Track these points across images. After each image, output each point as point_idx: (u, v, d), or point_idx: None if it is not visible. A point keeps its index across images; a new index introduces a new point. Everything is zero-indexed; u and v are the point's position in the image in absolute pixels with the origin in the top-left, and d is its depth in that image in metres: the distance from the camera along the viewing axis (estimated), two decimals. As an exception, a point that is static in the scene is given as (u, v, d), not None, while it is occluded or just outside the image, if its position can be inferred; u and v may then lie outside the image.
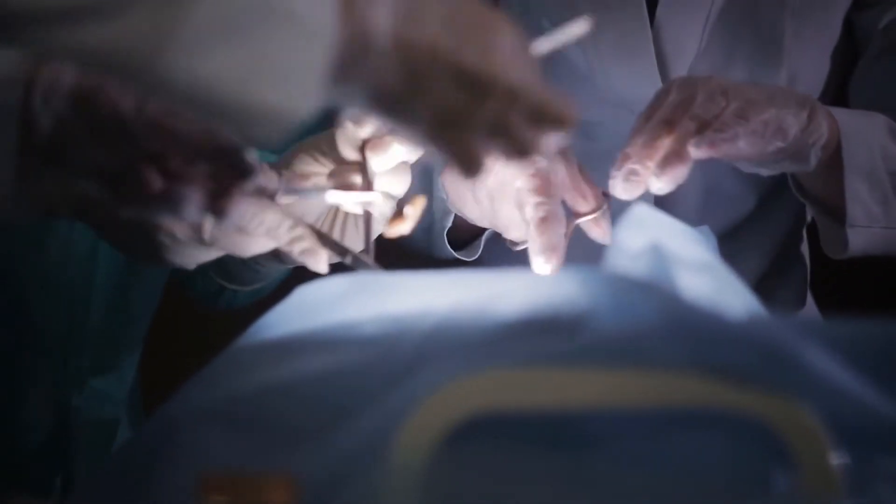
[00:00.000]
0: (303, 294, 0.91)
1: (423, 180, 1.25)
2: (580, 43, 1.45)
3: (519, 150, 0.87)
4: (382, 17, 0.79)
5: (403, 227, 1.05)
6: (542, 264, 1.15)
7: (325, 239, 1.06)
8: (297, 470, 0.76)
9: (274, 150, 1.12)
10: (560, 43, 1.01)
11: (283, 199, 1.03)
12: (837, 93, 1.54)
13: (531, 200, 1.17)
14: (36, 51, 0.77)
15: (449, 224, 1.35)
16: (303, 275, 1.03)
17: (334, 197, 1.08)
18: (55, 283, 1.22)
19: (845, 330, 0.79)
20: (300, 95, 0.77)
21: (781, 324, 0.80)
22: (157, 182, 0.93)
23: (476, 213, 1.26)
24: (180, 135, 0.94)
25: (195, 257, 1.02)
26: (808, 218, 1.56)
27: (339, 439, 0.79)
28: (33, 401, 1.23)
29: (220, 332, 1.01)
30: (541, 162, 1.18)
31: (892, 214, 1.35)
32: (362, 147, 1.09)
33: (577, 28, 1.02)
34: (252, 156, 0.95)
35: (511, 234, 1.23)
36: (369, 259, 1.07)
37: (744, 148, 1.20)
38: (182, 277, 1.37)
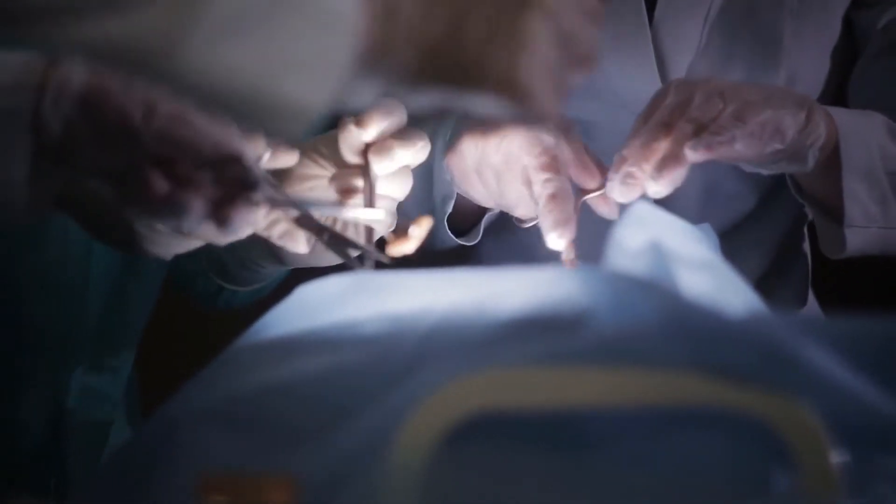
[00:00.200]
0: (302, 294, 0.91)
1: (423, 169, 1.25)
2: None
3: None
4: (401, 4, 0.78)
5: (407, 247, 1.06)
6: (556, 239, 1.16)
7: (301, 222, 1.06)
8: (297, 470, 0.76)
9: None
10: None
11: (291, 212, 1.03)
12: (837, 92, 1.54)
13: (539, 177, 1.18)
14: (52, 47, 0.76)
15: (449, 209, 1.35)
16: (302, 275, 1.03)
17: (343, 212, 1.08)
18: (51, 282, 1.22)
19: (846, 328, 0.79)
20: (323, 87, 0.76)
21: (782, 322, 0.80)
22: (162, 187, 0.93)
23: (482, 193, 1.26)
24: (187, 142, 0.94)
25: (173, 247, 1.01)
26: (809, 216, 1.56)
27: (338, 439, 0.79)
28: (29, 401, 1.23)
29: (220, 332, 1.01)
30: (547, 139, 1.18)
31: (890, 214, 1.35)
32: (364, 150, 1.09)
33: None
34: (258, 167, 0.95)
35: (518, 211, 1.24)
36: (379, 255, 1.07)
37: (741, 150, 1.20)
38: (181, 278, 1.37)
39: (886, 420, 0.77)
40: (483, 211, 1.37)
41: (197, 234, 0.98)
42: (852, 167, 1.32)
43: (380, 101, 0.93)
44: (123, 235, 1.00)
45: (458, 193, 1.33)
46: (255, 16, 0.73)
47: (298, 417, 0.82)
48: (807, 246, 1.61)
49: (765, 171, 1.38)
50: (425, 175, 1.31)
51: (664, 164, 1.17)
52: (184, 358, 1.18)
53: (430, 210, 1.35)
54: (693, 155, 1.17)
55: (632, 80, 1.45)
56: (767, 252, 1.56)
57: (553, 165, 1.18)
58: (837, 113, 1.32)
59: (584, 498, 0.75)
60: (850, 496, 0.74)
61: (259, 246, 1.17)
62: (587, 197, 1.21)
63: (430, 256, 1.36)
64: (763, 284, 1.56)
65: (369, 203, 1.09)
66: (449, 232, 1.38)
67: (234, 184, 0.94)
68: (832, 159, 1.31)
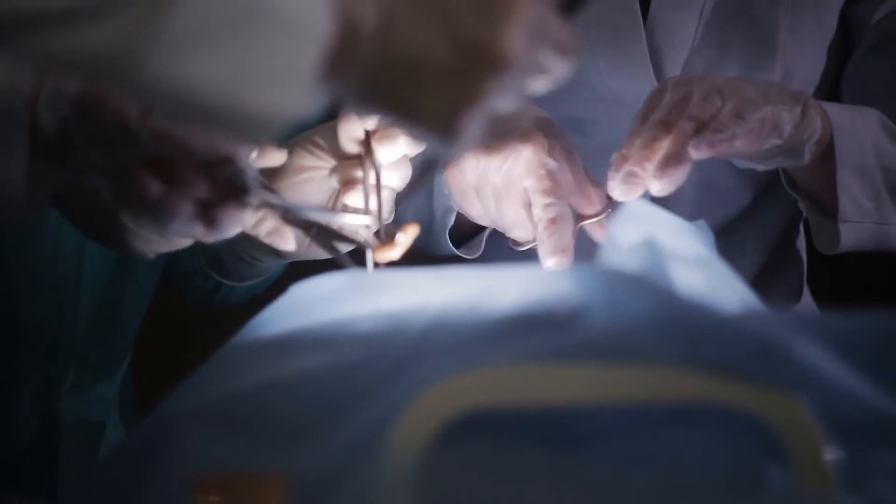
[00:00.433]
0: (298, 291, 0.91)
1: (424, 177, 1.25)
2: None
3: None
4: (368, 15, 0.78)
5: (393, 254, 1.05)
6: (553, 266, 1.16)
7: (289, 220, 1.06)
8: (292, 468, 0.76)
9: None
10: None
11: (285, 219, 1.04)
12: (832, 88, 1.54)
13: (541, 202, 1.18)
14: (20, 57, 0.76)
15: (451, 222, 1.35)
16: (298, 272, 1.03)
17: (334, 217, 1.08)
18: (43, 282, 1.22)
19: (841, 324, 0.79)
20: (290, 96, 0.76)
21: (776, 318, 0.79)
22: (154, 187, 0.93)
23: (479, 211, 1.26)
24: (181, 143, 0.94)
25: (159, 245, 1.02)
26: (805, 212, 1.56)
27: (334, 437, 0.79)
28: (22, 400, 1.23)
29: (216, 330, 1.01)
30: (550, 163, 1.18)
31: (883, 209, 1.35)
32: (365, 140, 1.09)
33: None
34: (251, 169, 0.95)
35: (515, 233, 1.23)
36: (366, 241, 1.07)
37: (741, 146, 1.20)
38: (177, 276, 1.37)
39: (882, 416, 0.77)
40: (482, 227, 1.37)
41: (185, 233, 0.98)
42: (846, 162, 1.32)
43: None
44: (111, 231, 1.00)
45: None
46: (223, 26, 0.73)
47: (294, 415, 0.82)
48: (802, 241, 1.61)
49: (761, 167, 1.38)
50: (425, 182, 1.31)
51: (667, 163, 1.17)
52: (179, 357, 1.18)
53: (430, 222, 1.35)
54: (696, 153, 1.17)
55: (626, 76, 1.45)
56: (764, 248, 1.56)
57: (555, 189, 1.18)
58: (832, 108, 1.32)
59: (578, 495, 0.75)
60: (845, 493, 0.74)
61: (256, 240, 1.17)
62: (585, 223, 1.21)
63: (426, 254, 1.36)
64: (759, 281, 1.56)
65: (378, 190, 1.09)
66: (450, 245, 1.38)
67: (227, 185, 0.94)
68: (826, 154, 1.31)
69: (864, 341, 0.78)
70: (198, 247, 1.03)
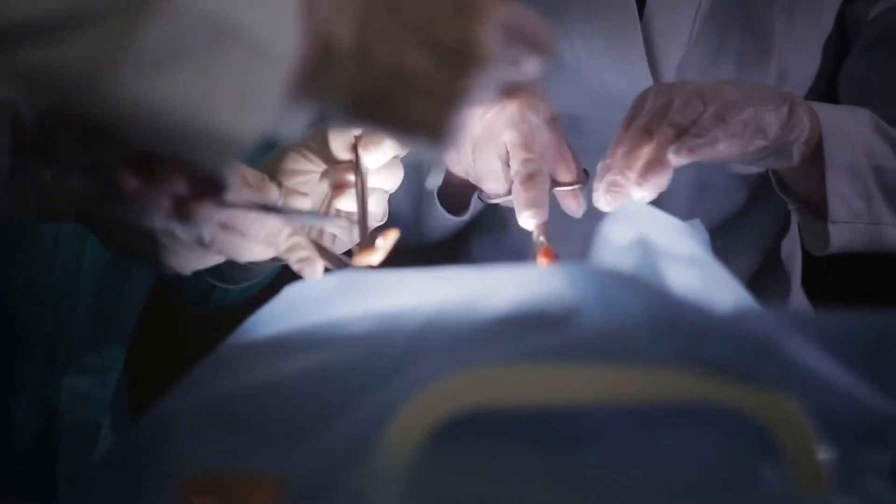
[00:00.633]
0: (292, 292, 0.91)
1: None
2: (568, 35, 1.45)
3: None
4: (344, 33, 0.79)
5: (373, 258, 1.05)
6: (528, 219, 1.16)
7: (322, 251, 1.06)
8: (288, 467, 0.76)
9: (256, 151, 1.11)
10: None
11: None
12: (829, 86, 1.54)
13: (519, 156, 1.17)
14: None
15: (439, 182, 1.34)
16: (292, 273, 1.03)
17: (314, 221, 1.08)
18: (41, 285, 1.22)
19: (834, 323, 0.79)
20: (254, 117, 0.76)
21: (769, 317, 0.79)
22: (132, 184, 0.93)
23: (453, 159, 1.25)
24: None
25: (193, 262, 1.02)
26: (794, 214, 1.56)
27: (328, 437, 0.79)
28: (21, 403, 1.23)
29: (211, 331, 1.01)
30: (533, 120, 1.18)
31: (875, 209, 1.35)
32: (355, 145, 1.09)
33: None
34: (227, 170, 0.95)
35: (487, 185, 1.23)
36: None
37: (724, 150, 1.20)
38: (172, 278, 1.37)
39: (876, 416, 0.77)
40: (472, 189, 1.37)
41: (219, 248, 0.99)
42: (835, 162, 1.32)
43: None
44: (145, 250, 1.00)
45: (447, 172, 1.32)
46: (190, 45, 0.73)
47: (289, 416, 0.82)
48: (797, 241, 1.61)
49: (752, 169, 1.37)
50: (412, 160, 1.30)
51: (648, 170, 1.17)
52: (175, 358, 1.18)
53: (416, 204, 1.34)
54: (676, 159, 1.17)
55: (623, 74, 1.45)
56: (759, 247, 1.56)
57: (535, 146, 1.18)
58: (821, 108, 1.32)
59: (573, 495, 0.75)
60: (839, 492, 0.74)
61: None
62: (558, 189, 1.21)
63: (420, 254, 1.36)
64: (755, 279, 1.56)
65: (362, 197, 1.09)
66: (441, 208, 1.36)
67: (203, 182, 0.94)
68: (816, 155, 1.31)
69: (858, 341, 0.78)
70: None
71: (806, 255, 1.59)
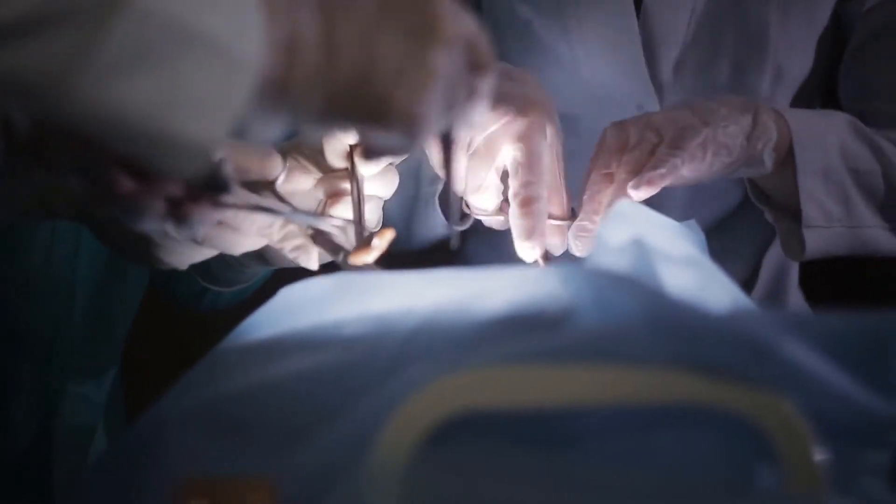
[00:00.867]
0: (287, 295, 0.91)
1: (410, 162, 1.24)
2: (566, 34, 1.46)
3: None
4: (306, 30, 0.79)
5: (368, 258, 1.05)
6: (528, 251, 1.15)
7: (318, 237, 1.06)
8: (283, 470, 0.76)
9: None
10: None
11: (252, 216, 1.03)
12: (826, 84, 1.54)
13: (522, 176, 1.16)
14: None
15: (439, 188, 1.33)
16: (286, 276, 1.03)
17: (311, 221, 1.08)
18: (37, 287, 1.22)
19: (830, 323, 0.79)
20: (219, 123, 0.75)
21: (765, 318, 0.79)
22: (126, 184, 0.93)
23: (439, 161, 1.24)
24: None
25: (187, 256, 1.02)
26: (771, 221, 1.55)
27: (323, 440, 0.79)
28: (18, 406, 1.23)
29: (206, 334, 1.01)
30: (541, 141, 1.16)
31: (855, 213, 1.35)
32: (349, 153, 1.09)
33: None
34: (228, 169, 0.95)
35: (475, 198, 1.21)
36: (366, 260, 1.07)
37: (688, 174, 1.21)
38: (164, 281, 1.37)
39: (872, 416, 0.77)
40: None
41: (212, 242, 0.99)
42: (808, 166, 1.31)
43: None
44: (140, 246, 1.00)
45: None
46: (154, 52, 0.73)
47: (284, 418, 0.82)
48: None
49: (732, 177, 1.37)
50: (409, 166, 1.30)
51: None
52: (169, 360, 1.18)
53: (415, 197, 1.34)
54: (636, 194, 1.17)
55: (620, 72, 1.45)
56: (756, 247, 1.56)
57: (538, 169, 1.16)
58: (791, 113, 1.31)
59: (568, 496, 0.75)
60: (835, 492, 0.74)
61: None
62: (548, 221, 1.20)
63: (415, 256, 1.36)
64: (751, 280, 1.56)
65: (358, 204, 1.09)
66: (440, 212, 1.36)
67: (201, 184, 0.94)
68: (788, 160, 1.30)
69: (854, 342, 0.78)
70: None
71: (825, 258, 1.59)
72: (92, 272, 1.25)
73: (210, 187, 0.92)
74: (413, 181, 1.33)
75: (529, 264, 1.17)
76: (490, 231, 1.37)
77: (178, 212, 0.92)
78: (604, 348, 0.77)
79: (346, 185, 1.09)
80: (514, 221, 1.15)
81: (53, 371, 1.25)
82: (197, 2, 0.74)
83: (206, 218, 0.94)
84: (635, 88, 1.46)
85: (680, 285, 0.83)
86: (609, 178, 1.19)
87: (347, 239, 1.09)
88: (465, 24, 0.85)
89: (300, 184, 1.10)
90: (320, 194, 1.11)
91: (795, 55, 1.48)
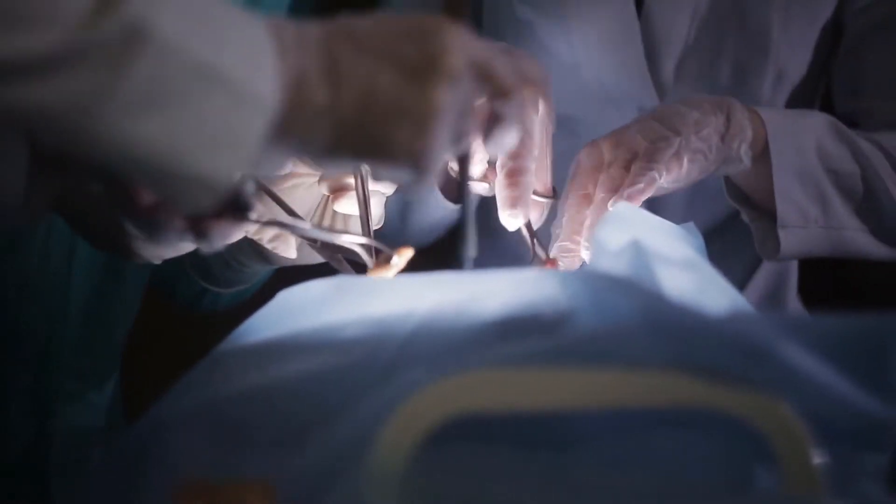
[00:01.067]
0: (285, 297, 0.91)
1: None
2: (567, 35, 1.46)
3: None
4: (313, 68, 0.80)
5: (388, 275, 1.05)
6: (508, 218, 1.14)
7: (334, 252, 1.06)
8: (281, 472, 0.76)
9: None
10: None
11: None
12: (824, 85, 1.54)
13: (512, 150, 1.15)
14: None
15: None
16: (286, 277, 1.03)
17: (332, 237, 1.08)
18: (33, 290, 1.22)
19: (828, 326, 0.79)
20: (234, 161, 0.77)
21: (762, 321, 0.79)
22: (148, 198, 0.93)
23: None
24: None
25: (162, 251, 1.02)
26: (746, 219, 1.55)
27: (321, 442, 0.79)
28: (15, 409, 1.23)
29: (205, 336, 1.01)
30: (534, 115, 1.16)
31: (834, 214, 1.34)
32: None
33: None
34: (250, 189, 0.95)
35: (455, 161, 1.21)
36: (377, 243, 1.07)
37: (667, 182, 1.21)
38: (163, 281, 1.36)
39: (870, 419, 0.77)
40: None
41: (176, 243, 0.98)
42: (783, 165, 1.31)
43: None
44: (116, 238, 1.00)
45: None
46: (172, 90, 0.74)
47: (283, 420, 0.82)
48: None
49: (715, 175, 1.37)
50: None
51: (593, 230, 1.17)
52: (168, 362, 1.18)
53: (402, 208, 1.33)
54: None
55: (621, 73, 1.45)
56: (754, 250, 1.55)
57: (528, 142, 1.16)
58: (768, 113, 1.31)
59: (567, 497, 0.75)
60: (833, 494, 0.74)
61: (244, 246, 1.17)
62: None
63: (413, 259, 1.35)
64: (750, 283, 1.56)
65: (363, 199, 1.09)
66: (442, 197, 1.36)
67: (224, 201, 0.95)
68: (763, 159, 1.30)
69: (853, 344, 0.78)
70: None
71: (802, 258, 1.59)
72: (89, 272, 1.25)
73: (233, 207, 0.92)
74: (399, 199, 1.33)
75: (528, 266, 1.17)
76: (489, 234, 1.37)
77: (198, 227, 0.93)
78: (602, 351, 0.77)
79: (350, 181, 1.10)
80: (501, 192, 1.14)
81: (51, 374, 1.24)
82: (215, 40, 0.75)
83: (226, 234, 0.94)
84: (636, 89, 1.46)
85: (678, 288, 0.83)
86: (587, 198, 1.19)
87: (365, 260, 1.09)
88: (477, 54, 0.85)
89: (303, 179, 1.11)
90: (324, 190, 1.12)
91: (797, 57, 1.48)
